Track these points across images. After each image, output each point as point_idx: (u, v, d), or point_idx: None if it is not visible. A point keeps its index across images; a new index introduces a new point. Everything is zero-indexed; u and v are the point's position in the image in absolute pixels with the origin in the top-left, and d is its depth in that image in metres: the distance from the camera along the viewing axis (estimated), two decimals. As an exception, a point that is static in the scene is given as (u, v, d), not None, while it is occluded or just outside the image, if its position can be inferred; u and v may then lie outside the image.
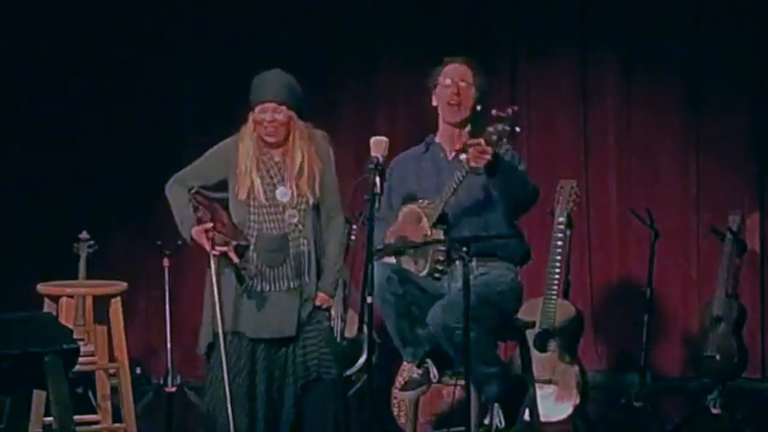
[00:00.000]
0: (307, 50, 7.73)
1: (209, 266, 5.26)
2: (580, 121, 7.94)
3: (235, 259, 5.20)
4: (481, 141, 5.01)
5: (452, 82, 5.37)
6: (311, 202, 5.30)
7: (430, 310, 5.15)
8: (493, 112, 5.06)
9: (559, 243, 6.26)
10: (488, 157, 5.00)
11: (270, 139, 5.29)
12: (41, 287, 5.93)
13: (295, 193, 5.29)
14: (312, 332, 5.30)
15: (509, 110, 5.02)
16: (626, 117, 7.90)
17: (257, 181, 5.27)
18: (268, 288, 5.26)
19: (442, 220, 5.27)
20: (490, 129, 5.00)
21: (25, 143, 7.78)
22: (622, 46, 7.90)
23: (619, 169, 7.91)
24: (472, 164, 5.06)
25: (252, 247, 5.24)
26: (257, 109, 5.27)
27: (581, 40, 7.93)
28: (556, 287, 6.25)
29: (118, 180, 7.85)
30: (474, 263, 5.23)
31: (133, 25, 7.85)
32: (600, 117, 7.94)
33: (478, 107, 5.38)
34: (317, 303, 5.32)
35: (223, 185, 5.36)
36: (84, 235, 6.46)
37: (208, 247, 5.21)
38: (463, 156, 5.18)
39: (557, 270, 6.23)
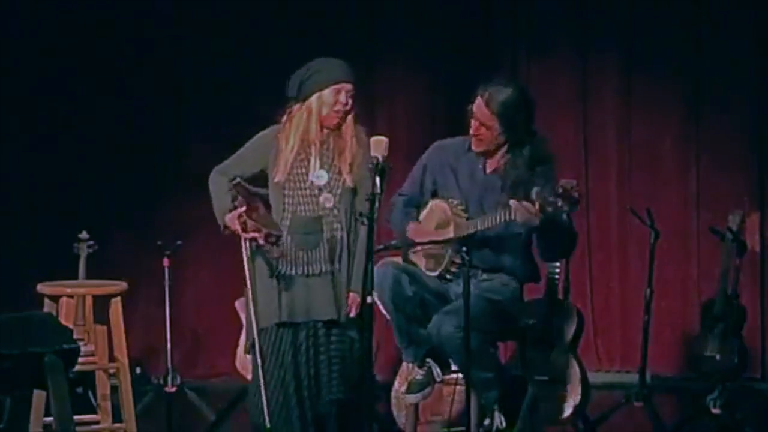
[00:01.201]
0: (307, 50, 7.69)
1: (246, 253, 5.22)
2: (580, 121, 7.93)
3: (261, 242, 5.15)
4: (536, 203, 4.83)
5: (473, 117, 5.22)
6: (348, 186, 5.23)
7: (433, 319, 5.15)
8: (562, 182, 4.81)
9: (559, 243, 6.26)
10: (536, 222, 4.88)
11: (337, 123, 5.22)
12: (41, 287, 5.93)
13: (333, 178, 5.24)
14: (341, 344, 5.26)
15: (576, 193, 4.78)
16: (626, 117, 7.89)
17: (316, 162, 5.22)
18: (301, 271, 5.22)
19: (468, 238, 5.17)
20: (551, 198, 4.78)
21: (26, 143, 7.77)
22: (622, 46, 7.89)
23: (619, 169, 7.90)
24: (517, 220, 4.92)
25: (286, 230, 5.19)
26: (330, 90, 5.20)
27: (581, 40, 7.92)
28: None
29: (118, 180, 7.84)
30: (479, 270, 5.22)
31: (133, 25, 7.84)
32: (600, 117, 7.93)
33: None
34: (355, 309, 5.22)
35: (264, 178, 5.29)
36: (84, 235, 6.44)
37: (239, 230, 5.16)
38: (513, 202, 4.93)
39: (557, 270, 6.23)
